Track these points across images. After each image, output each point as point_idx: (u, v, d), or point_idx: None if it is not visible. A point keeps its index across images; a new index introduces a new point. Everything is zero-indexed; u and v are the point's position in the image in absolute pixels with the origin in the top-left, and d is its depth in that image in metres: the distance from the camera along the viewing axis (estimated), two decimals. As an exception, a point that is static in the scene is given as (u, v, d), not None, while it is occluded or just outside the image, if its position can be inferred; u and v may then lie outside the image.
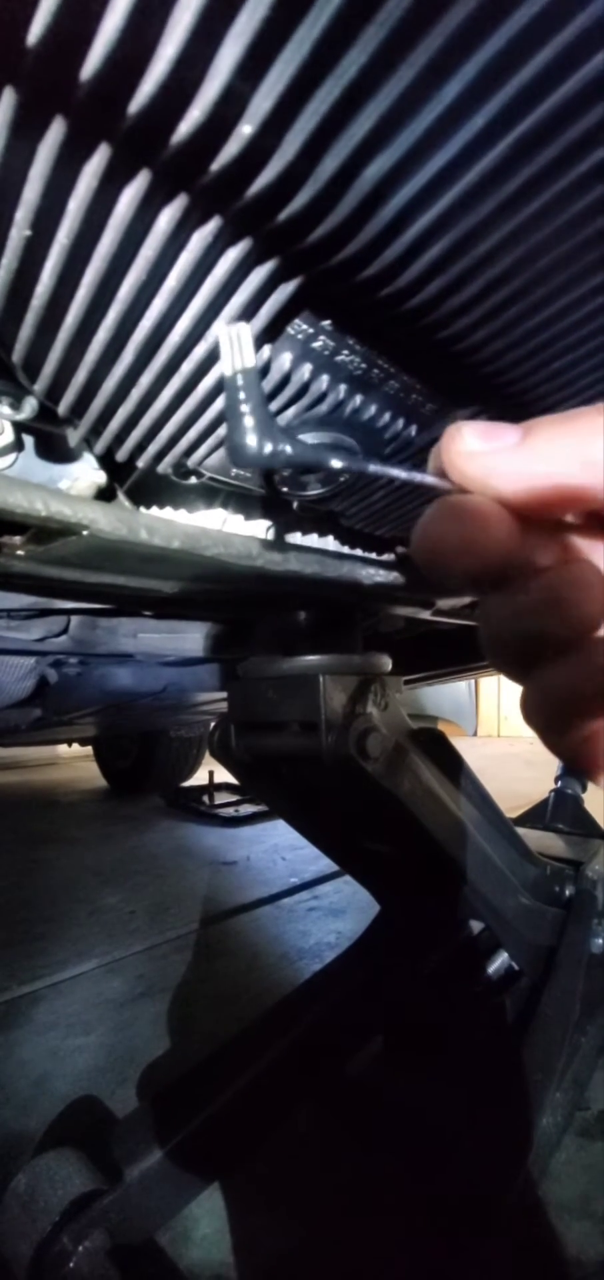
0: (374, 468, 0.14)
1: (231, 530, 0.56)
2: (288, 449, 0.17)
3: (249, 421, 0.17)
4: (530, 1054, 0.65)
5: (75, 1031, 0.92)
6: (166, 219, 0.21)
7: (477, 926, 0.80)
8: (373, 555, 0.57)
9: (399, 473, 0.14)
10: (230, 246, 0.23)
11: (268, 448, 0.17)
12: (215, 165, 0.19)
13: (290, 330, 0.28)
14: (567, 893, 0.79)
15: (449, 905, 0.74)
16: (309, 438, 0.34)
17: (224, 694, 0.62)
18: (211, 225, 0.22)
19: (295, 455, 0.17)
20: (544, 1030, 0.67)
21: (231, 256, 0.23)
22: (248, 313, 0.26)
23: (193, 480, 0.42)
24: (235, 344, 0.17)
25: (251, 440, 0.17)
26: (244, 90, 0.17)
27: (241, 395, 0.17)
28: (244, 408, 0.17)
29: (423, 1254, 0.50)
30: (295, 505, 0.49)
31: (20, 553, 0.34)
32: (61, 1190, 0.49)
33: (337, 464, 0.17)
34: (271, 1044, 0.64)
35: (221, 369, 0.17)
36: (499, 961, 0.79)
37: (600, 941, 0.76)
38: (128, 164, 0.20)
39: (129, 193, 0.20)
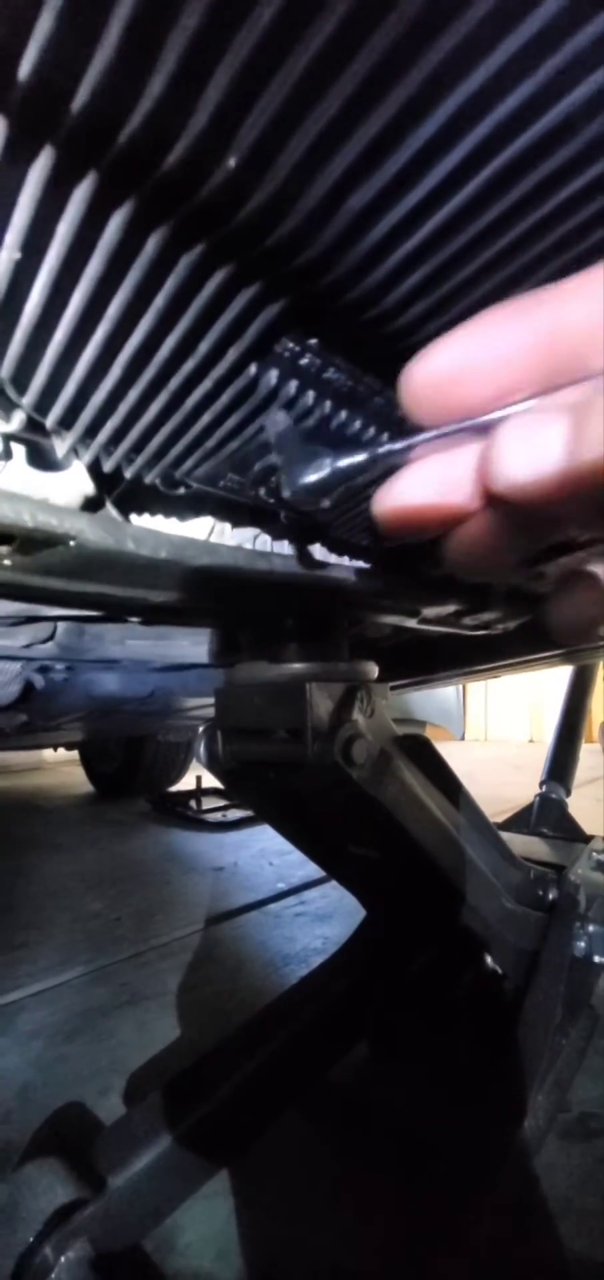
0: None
1: (219, 538, 0.56)
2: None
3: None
4: (513, 1057, 0.65)
5: (58, 1040, 0.92)
6: (154, 243, 0.22)
7: (461, 930, 0.81)
8: (360, 564, 0.57)
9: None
10: (217, 269, 0.23)
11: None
12: (202, 194, 0.20)
13: (277, 348, 0.29)
14: (550, 896, 0.80)
15: (434, 910, 0.75)
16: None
17: (212, 699, 0.62)
18: (198, 249, 0.22)
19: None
20: (527, 1033, 0.68)
21: (218, 279, 0.24)
22: (235, 331, 0.27)
23: (181, 490, 0.42)
24: None
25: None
26: (228, 125, 0.18)
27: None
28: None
29: (406, 1255, 0.51)
30: (282, 516, 0.50)
31: (6, 563, 0.34)
32: (43, 1200, 0.49)
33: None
34: (257, 1050, 0.64)
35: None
36: (483, 965, 0.80)
37: (582, 945, 0.77)
38: (116, 191, 0.20)
39: (117, 218, 0.21)
